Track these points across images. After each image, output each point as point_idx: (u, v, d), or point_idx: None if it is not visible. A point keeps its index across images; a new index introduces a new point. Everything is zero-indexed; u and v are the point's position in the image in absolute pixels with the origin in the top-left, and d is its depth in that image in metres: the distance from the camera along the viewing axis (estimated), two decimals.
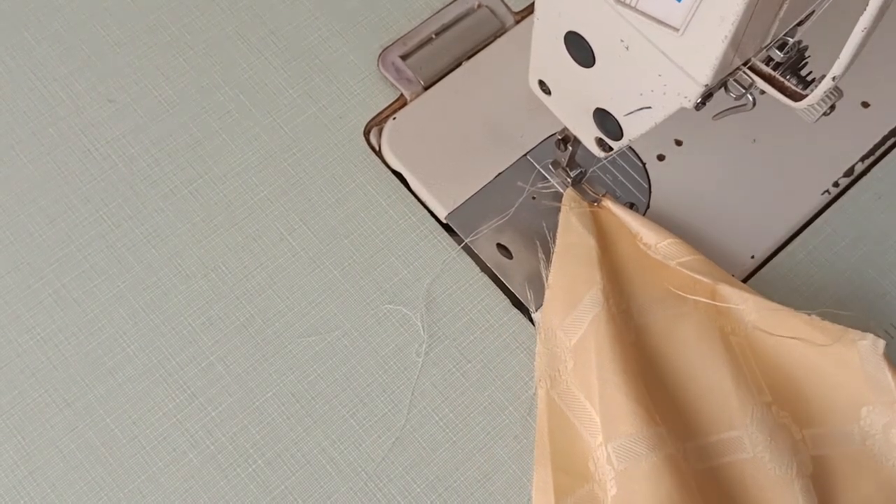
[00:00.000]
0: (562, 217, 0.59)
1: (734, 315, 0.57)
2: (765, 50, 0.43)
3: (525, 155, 0.63)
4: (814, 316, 0.55)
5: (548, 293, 0.58)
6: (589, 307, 0.55)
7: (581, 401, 0.54)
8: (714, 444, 0.53)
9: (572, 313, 0.56)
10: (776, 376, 0.56)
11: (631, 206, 0.62)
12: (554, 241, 0.59)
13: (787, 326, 0.55)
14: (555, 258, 0.58)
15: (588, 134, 0.52)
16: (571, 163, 0.60)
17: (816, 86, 0.43)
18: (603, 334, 0.54)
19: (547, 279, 0.58)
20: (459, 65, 0.66)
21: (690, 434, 0.54)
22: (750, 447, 0.53)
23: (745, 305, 0.56)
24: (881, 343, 0.54)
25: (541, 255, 0.60)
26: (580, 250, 0.57)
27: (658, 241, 0.58)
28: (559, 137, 0.58)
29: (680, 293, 0.57)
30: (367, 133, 0.64)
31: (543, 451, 0.54)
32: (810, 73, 0.44)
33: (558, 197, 0.61)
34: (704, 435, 0.54)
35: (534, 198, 0.62)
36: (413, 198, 0.62)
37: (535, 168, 0.62)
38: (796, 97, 0.44)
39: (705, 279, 0.56)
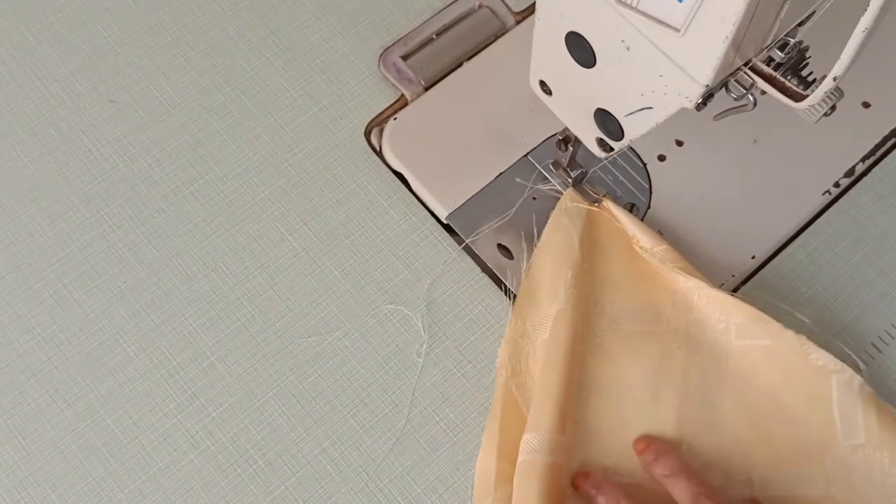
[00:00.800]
0: (553, 215, 0.59)
1: (709, 342, 0.57)
2: (766, 50, 0.43)
3: (526, 155, 0.63)
4: (802, 337, 0.55)
5: (523, 284, 0.58)
6: (556, 303, 0.55)
7: (536, 395, 0.55)
8: (627, 464, 0.54)
9: (543, 310, 0.56)
10: (741, 413, 0.55)
11: (632, 206, 0.62)
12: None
13: (769, 335, 0.55)
14: (535, 253, 0.59)
15: (589, 134, 0.52)
16: (572, 163, 0.60)
17: (817, 86, 0.43)
18: (557, 332, 0.55)
19: (525, 271, 0.58)
20: (460, 65, 0.66)
21: (605, 452, 0.54)
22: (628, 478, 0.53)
23: (725, 316, 0.56)
24: (857, 380, 0.54)
25: (524, 244, 0.60)
26: (561, 250, 0.57)
27: (654, 246, 0.58)
28: (560, 138, 0.58)
29: (657, 311, 0.57)
30: (367, 133, 0.64)
31: (492, 437, 0.55)
32: (811, 73, 0.44)
33: (559, 197, 0.61)
34: (618, 455, 0.54)
35: (535, 198, 0.62)
36: (414, 198, 0.62)
37: (536, 168, 0.62)
38: (797, 97, 0.44)
39: (699, 282, 0.56)
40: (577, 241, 0.57)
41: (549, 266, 0.57)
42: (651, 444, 0.53)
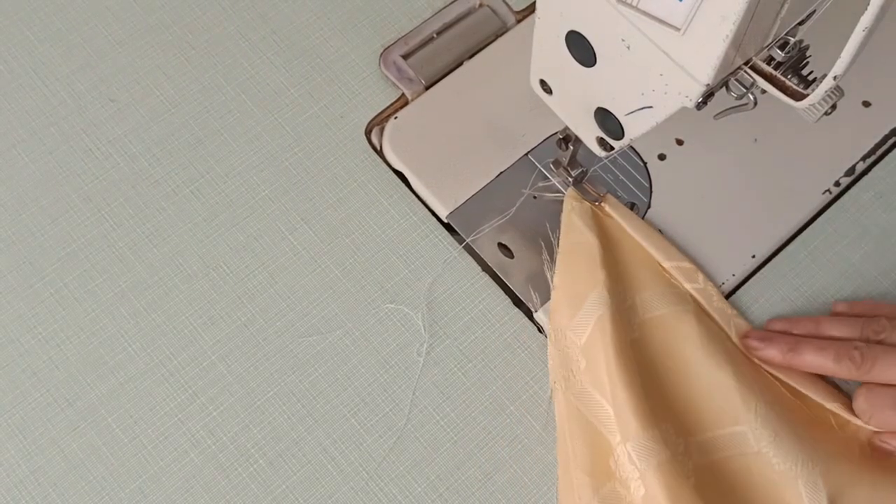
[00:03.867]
0: (564, 217, 0.59)
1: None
2: (766, 49, 0.43)
3: (526, 154, 0.63)
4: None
5: (554, 294, 0.58)
6: (594, 307, 0.55)
7: (597, 399, 0.54)
8: (718, 437, 0.54)
9: (578, 313, 0.56)
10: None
11: (632, 205, 0.62)
12: (557, 241, 0.59)
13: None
14: (559, 259, 0.58)
15: (589, 133, 0.52)
16: (573, 162, 0.60)
17: (818, 85, 0.43)
18: (608, 334, 0.54)
19: (552, 280, 0.58)
20: (461, 64, 0.66)
21: (693, 429, 0.54)
22: (754, 442, 0.53)
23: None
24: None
25: (544, 255, 0.60)
26: (583, 249, 0.57)
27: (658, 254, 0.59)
28: (560, 137, 0.58)
29: (682, 288, 0.57)
30: (368, 132, 0.64)
31: (565, 452, 0.54)
32: (811, 72, 0.44)
33: (560, 196, 0.61)
34: (709, 429, 0.54)
35: (535, 197, 0.62)
36: (414, 197, 0.62)
37: (537, 167, 0.62)
38: (797, 96, 0.44)
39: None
40: (595, 239, 0.57)
41: (575, 269, 0.57)
42: (752, 335, 0.56)
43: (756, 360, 0.56)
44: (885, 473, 0.54)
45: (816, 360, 0.53)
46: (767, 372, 0.56)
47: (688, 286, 0.58)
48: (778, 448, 0.52)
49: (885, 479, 0.53)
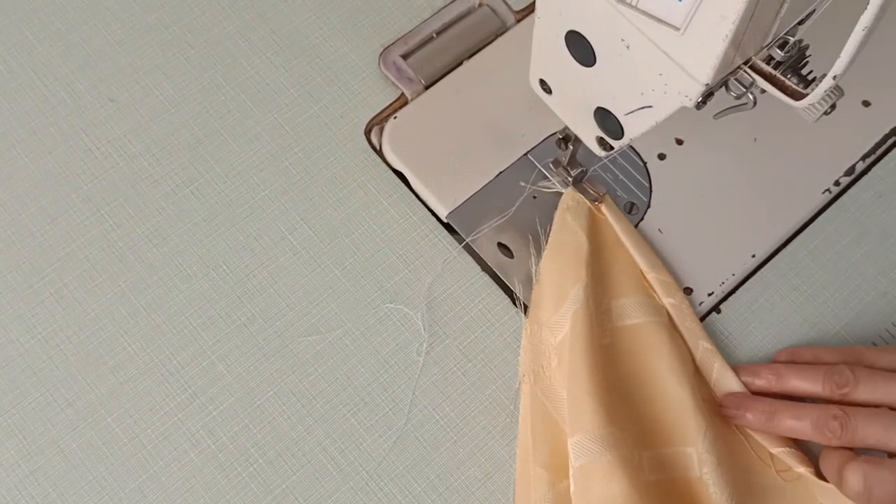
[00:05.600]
0: (557, 215, 0.60)
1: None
2: (765, 49, 0.43)
3: (526, 154, 0.63)
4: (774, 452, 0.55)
5: (535, 289, 0.58)
6: (571, 304, 0.55)
7: (563, 397, 0.55)
8: (669, 455, 0.54)
9: (558, 311, 0.56)
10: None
11: (632, 205, 0.62)
12: (547, 239, 0.59)
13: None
14: (545, 255, 0.59)
15: (589, 133, 0.52)
16: (572, 162, 0.60)
17: (817, 85, 0.43)
18: (578, 330, 0.54)
19: (536, 276, 0.58)
20: (460, 64, 0.66)
21: (648, 443, 0.54)
22: (697, 467, 0.53)
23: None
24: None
25: (532, 249, 0.60)
26: (570, 248, 0.58)
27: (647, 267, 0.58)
28: (560, 136, 0.58)
29: (660, 300, 0.57)
30: (367, 132, 0.64)
31: (525, 445, 0.55)
32: (811, 71, 0.44)
33: (559, 196, 0.61)
34: (662, 445, 0.54)
35: (535, 197, 0.62)
36: (414, 197, 0.62)
37: (536, 167, 0.62)
38: (797, 96, 0.44)
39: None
40: (585, 239, 0.57)
41: (560, 266, 0.57)
42: (729, 401, 0.55)
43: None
44: None
45: (795, 427, 0.52)
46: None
47: (665, 300, 0.58)
48: (718, 477, 0.52)
49: None
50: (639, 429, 0.54)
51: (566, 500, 0.52)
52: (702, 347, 0.57)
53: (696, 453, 0.53)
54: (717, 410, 0.55)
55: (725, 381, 0.56)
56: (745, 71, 0.44)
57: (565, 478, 0.53)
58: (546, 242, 0.59)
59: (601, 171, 0.63)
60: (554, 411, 0.55)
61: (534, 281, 0.58)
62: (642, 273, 0.58)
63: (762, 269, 0.61)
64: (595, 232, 0.59)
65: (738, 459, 0.55)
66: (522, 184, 0.62)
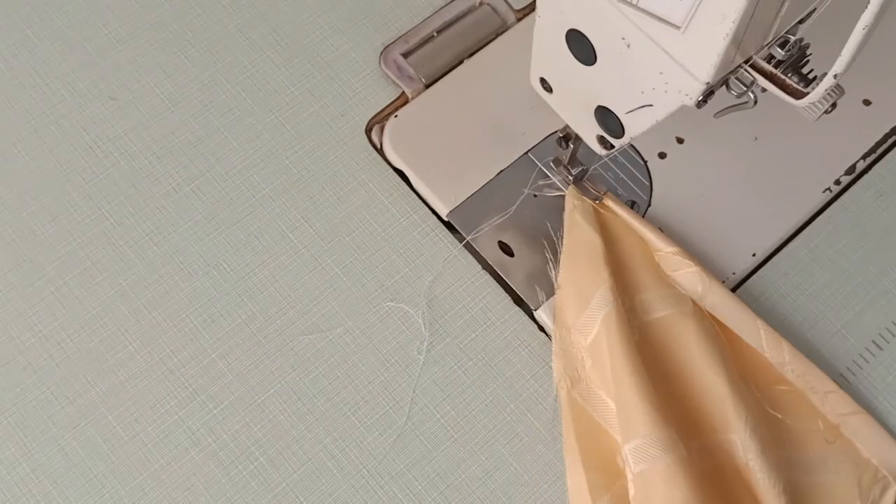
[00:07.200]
0: (567, 216, 0.59)
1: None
2: (766, 48, 0.43)
3: (526, 153, 0.63)
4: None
5: (558, 293, 0.58)
6: (599, 306, 0.55)
7: (603, 398, 0.55)
8: (715, 443, 0.54)
9: (584, 312, 0.56)
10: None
11: (632, 204, 0.62)
12: (559, 241, 0.59)
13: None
14: (563, 258, 0.58)
15: (589, 132, 0.52)
16: (573, 160, 0.60)
17: (818, 83, 0.43)
18: (614, 333, 0.54)
19: (556, 279, 0.58)
20: (461, 62, 0.66)
21: (693, 433, 0.54)
22: (742, 453, 0.53)
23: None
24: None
25: (547, 254, 0.60)
26: (587, 248, 0.57)
27: (660, 249, 0.58)
28: (560, 135, 0.58)
29: (682, 290, 0.57)
30: (368, 131, 0.64)
31: (573, 452, 0.54)
32: (812, 70, 0.44)
33: (560, 195, 0.61)
34: (707, 433, 0.54)
35: (535, 195, 0.62)
36: (414, 195, 0.62)
37: (537, 166, 0.62)
38: (798, 95, 0.44)
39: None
40: (598, 237, 0.57)
41: (579, 267, 0.57)
42: None
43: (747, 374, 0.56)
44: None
45: None
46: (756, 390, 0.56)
47: (686, 270, 0.57)
48: (763, 463, 0.52)
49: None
50: (683, 421, 0.54)
51: (625, 501, 0.52)
52: (761, 326, 0.57)
53: (739, 440, 0.53)
54: (753, 392, 0.55)
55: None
56: (745, 70, 0.44)
57: (618, 478, 0.53)
58: (560, 244, 0.59)
59: (602, 169, 0.63)
60: (595, 414, 0.55)
61: (555, 286, 0.58)
62: (657, 263, 0.58)
63: (763, 268, 0.61)
64: (605, 228, 0.59)
65: (782, 437, 0.54)
66: (525, 191, 0.62)
